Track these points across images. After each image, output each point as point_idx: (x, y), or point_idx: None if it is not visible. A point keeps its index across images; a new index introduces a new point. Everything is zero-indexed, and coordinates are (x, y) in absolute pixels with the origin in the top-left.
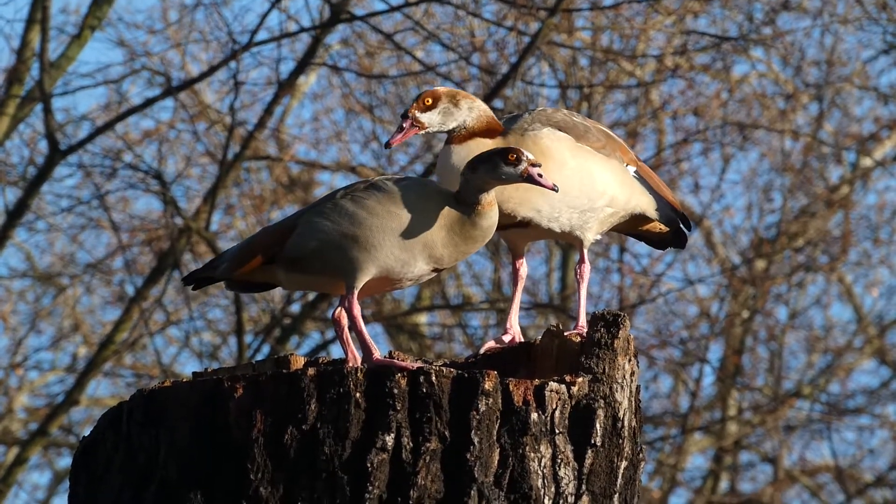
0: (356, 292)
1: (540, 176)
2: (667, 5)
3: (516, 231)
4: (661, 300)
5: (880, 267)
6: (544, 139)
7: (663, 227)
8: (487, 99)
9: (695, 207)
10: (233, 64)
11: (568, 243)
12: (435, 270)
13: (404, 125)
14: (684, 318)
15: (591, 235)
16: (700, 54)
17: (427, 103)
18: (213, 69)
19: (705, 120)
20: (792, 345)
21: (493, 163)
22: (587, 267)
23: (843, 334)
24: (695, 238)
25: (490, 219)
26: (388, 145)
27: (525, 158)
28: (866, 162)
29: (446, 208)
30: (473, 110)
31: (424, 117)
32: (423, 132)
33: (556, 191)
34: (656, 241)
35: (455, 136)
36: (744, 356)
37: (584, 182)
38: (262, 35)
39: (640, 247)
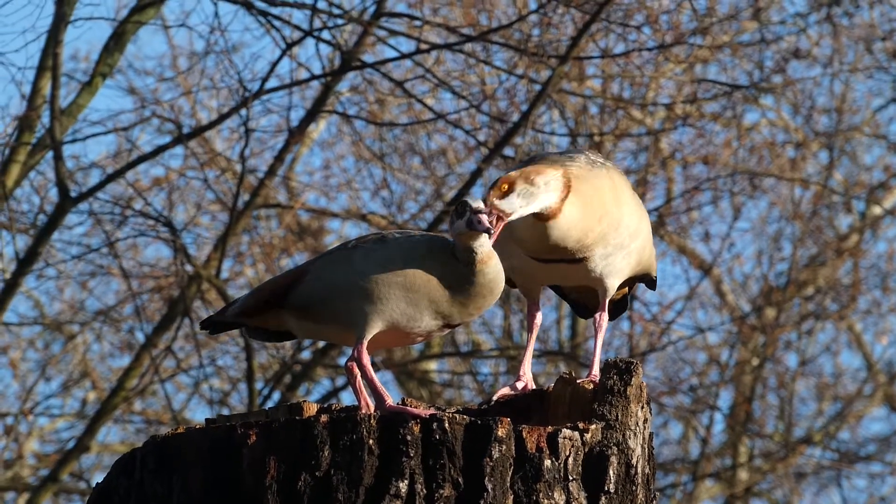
0: (365, 343)
1: (479, 222)
2: (677, 53)
3: (539, 273)
4: (670, 348)
5: (890, 315)
6: (617, 173)
7: (617, 295)
8: (498, 147)
9: (705, 255)
10: (243, 111)
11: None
12: (447, 326)
13: (490, 220)
14: (694, 366)
15: (616, 283)
16: (710, 102)
17: (503, 189)
18: (223, 117)
19: (715, 168)
20: (802, 392)
21: (451, 221)
22: (606, 316)
23: (853, 382)
24: (704, 286)
25: (488, 275)
26: None
27: (469, 208)
28: (876, 210)
29: (449, 265)
30: (550, 184)
31: (505, 204)
32: (509, 219)
33: (490, 234)
34: (590, 308)
35: (549, 214)
36: (754, 403)
37: (638, 225)
38: (272, 82)
39: (650, 295)
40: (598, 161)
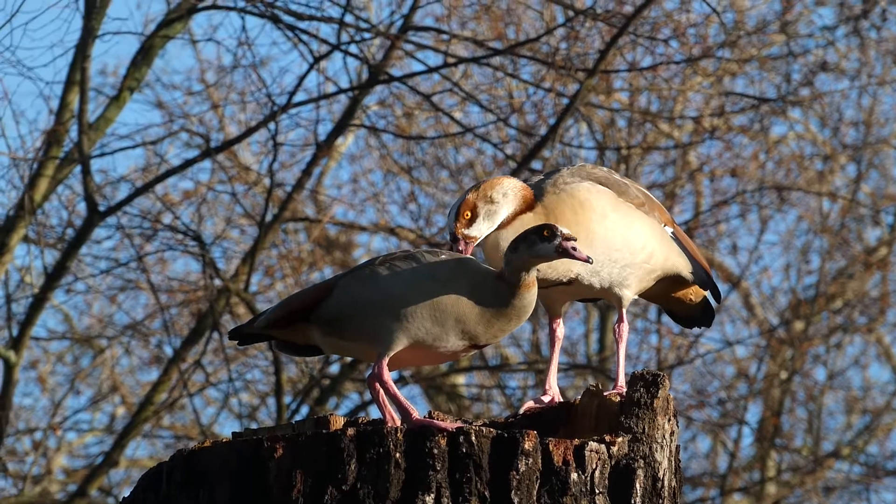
0: (385, 360)
1: (574, 249)
2: (704, 66)
3: (556, 289)
4: (699, 361)
5: None
6: (582, 192)
7: (695, 297)
8: (526, 160)
9: (733, 269)
10: (271, 125)
11: (607, 303)
12: (473, 346)
13: (460, 248)
14: (722, 379)
15: (629, 293)
16: (738, 115)
17: (467, 217)
18: (251, 130)
19: (743, 181)
20: (830, 405)
21: (531, 241)
22: (626, 326)
23: (881, 395)
24: (732, 299)
25: (526, 299)
26: None
27: (559, 233)
28: None
29: (482, 285)
30: (508, 195)
31: (473, 231)
32: (479, 241)
33: (591, 262)
34: (684, 316)
35: (503, 223)
36: (782, 417)
37: (625, 235)
38: (300, 96)
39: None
40: (573, 180)
